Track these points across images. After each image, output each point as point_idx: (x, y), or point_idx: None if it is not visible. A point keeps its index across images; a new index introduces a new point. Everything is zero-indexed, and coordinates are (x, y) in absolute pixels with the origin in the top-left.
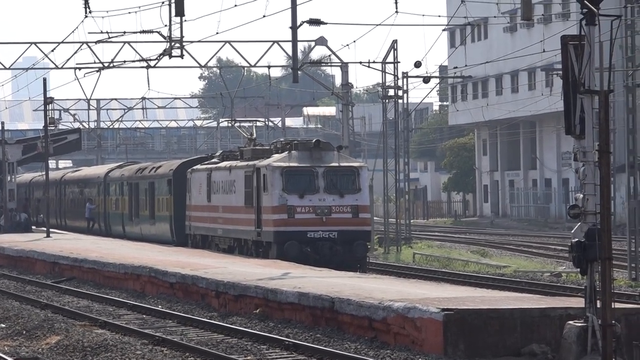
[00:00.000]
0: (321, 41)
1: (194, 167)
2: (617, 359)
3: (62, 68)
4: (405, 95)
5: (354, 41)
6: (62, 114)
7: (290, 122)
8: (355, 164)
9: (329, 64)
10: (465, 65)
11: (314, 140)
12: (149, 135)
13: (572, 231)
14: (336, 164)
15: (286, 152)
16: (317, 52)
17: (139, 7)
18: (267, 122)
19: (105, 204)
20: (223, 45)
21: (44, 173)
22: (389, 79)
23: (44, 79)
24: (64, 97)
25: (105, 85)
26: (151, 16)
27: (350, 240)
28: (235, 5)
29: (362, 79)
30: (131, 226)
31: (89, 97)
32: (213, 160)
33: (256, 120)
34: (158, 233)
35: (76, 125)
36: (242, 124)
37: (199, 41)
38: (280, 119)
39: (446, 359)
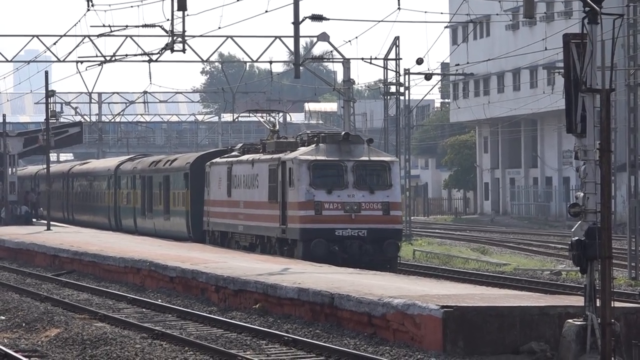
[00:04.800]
0: (323, 37)
1: (214, 161)
2: (616, 358)
3: (64, 61)
4: (406, 92)
5: (356, 37)
6: (64, 107)
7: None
8: (386, 158)
9: (330, 60)
10: (467, 63)
11: (342, 133)
12: (150, 129)
13: (573, 229)
14: (366, 158)
15: (313, 145)
16: (319, 48)
17: (141, 1)
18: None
19: (116, 198)
20: (225, 40)
21: (50, 166)
22: (391, 75)
23: (46, 72)
24: (65, 90)
25: (107, 78)
26: (153, 10)
27: (380, 239)
28: (238, 0)
29: (364, 75)
30: (143, 221)
31: (90, 91)
32: (233, 153)
33: (279, 111)
34: (173, 229)
35: (77, 118)
36: (263, 114)
37: (201, 36)
38: (281, 114)
39: (445, 356)
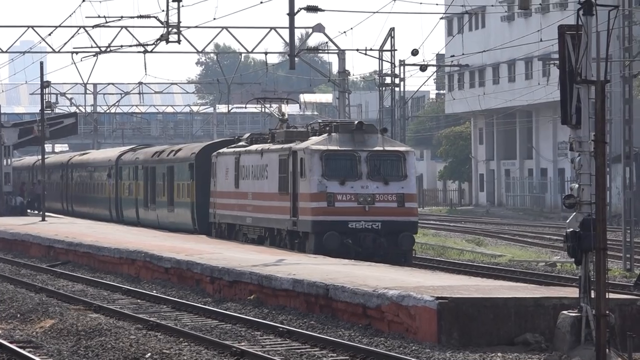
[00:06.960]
0: (318, 28)
1: (220, 151)
2: (610, 349)
3: (59, 52)
4: (402, 83)
5: (352, 28)
6: (59, 98)
7: (287, 109)
8: (401, 148)
9: (326, 51)
10: (463, 54)
11: (356, 122)
12: (146, 120)
13: (567, 221)
14: (380, 148)
15: (325, 135)
16: (315, 39)
17: None
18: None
19: (117, 189)
20: (220, 31)
21: (49, 156)
22: (386, 66)
23: (41, 63)
24: (60, 81)
25: (102, 69)
26: (148, 1)
27: (395, 232)
28: None
29: (359, 67)
30: (146, 212)
31: (85, 82)
32: (240, 143)
33: (287, 99)
34: (177, 221)
35: (73, 109)
36: (272, 103)
37: (196, 27)
38: (277, 105)
39: (440, 347)
